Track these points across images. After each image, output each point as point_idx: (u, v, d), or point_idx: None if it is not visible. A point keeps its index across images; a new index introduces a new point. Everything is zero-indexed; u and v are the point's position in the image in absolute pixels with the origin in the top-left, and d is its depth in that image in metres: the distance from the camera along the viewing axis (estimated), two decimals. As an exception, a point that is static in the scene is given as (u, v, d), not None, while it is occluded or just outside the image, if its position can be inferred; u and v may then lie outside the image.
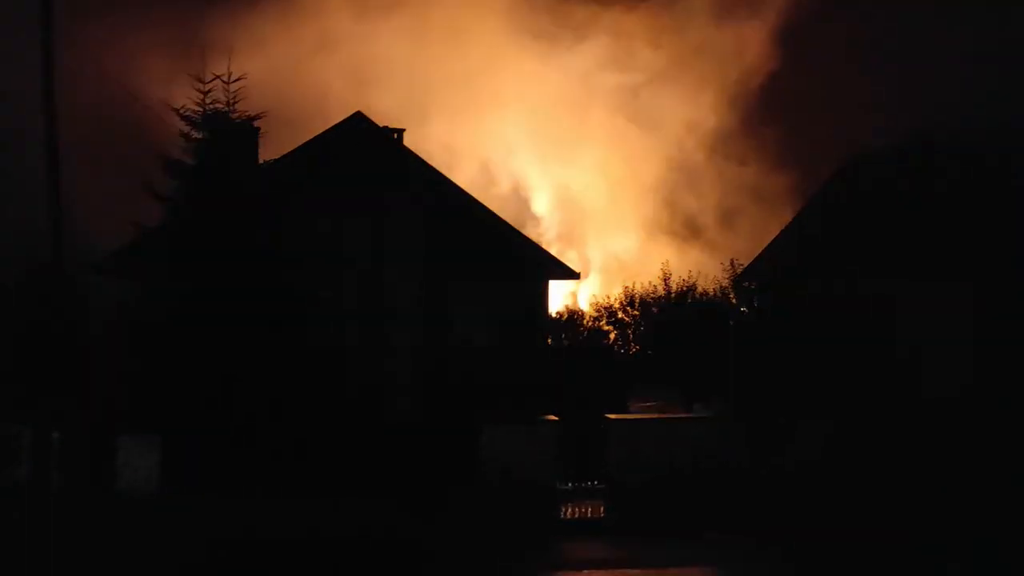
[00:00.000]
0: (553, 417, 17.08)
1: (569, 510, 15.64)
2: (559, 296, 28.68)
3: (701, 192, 39.72)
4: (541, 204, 39.14)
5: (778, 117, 40.14)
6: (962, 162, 24.45)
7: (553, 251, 37.34)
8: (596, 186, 38.86)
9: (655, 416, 21.06)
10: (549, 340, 22.55)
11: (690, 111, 39.34)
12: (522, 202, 38.82)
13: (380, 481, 15.67)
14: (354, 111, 20.04)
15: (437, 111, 36.38)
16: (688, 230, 38.98)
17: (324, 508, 14.64)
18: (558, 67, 38.71)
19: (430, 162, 20.94)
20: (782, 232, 29.76)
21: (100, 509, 14.89)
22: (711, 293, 23.82)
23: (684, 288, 23.59)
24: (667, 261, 24.23)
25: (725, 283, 24.08)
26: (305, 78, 34.42)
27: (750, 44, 39.68)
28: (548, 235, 38.70)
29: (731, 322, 24.16)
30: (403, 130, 21.35)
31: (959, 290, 20.86)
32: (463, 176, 33.96)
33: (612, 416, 17.56)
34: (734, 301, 24.11)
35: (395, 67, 37.26)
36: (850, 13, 41.29)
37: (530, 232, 37.90)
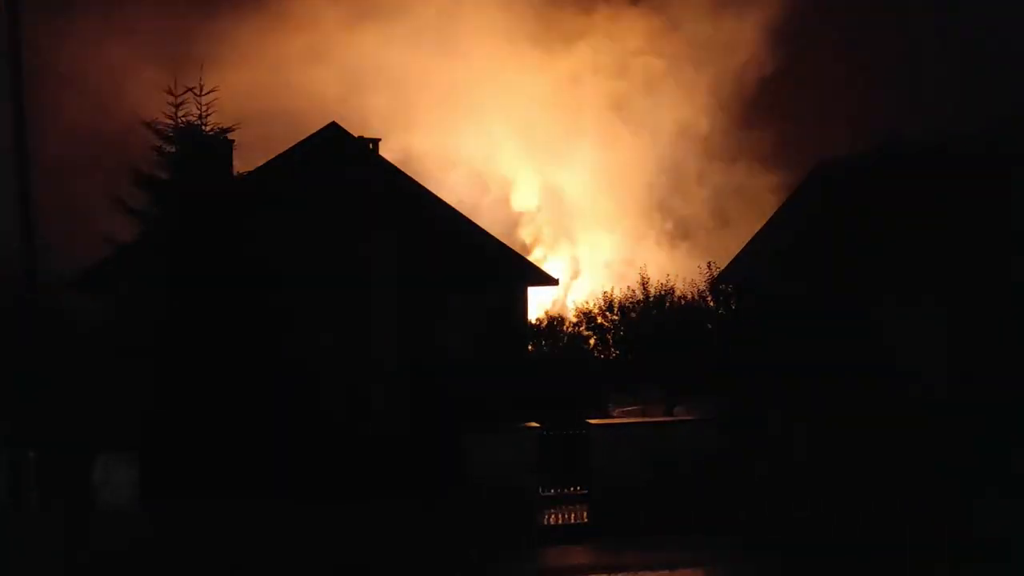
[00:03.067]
0: (534, 424, 17.11)
1: (552, 516, 15.64)
2: (546, 300, 28.82)
3: (692, 194, 39.97)
4: (532, 208, 39.34)
5: (769, 119, 40.54)
6: (935, 165, 24.77)
7: (545, 254, 37.86)
8: (588, 189, 39.03)
9: (636, 420, 21.11)
10: (531, 347, 22.56)
11: (682, 113, 39.61)
12: (514, 206, 39.05)
13: (361, 492, 15.63)
14: (346, 121, 20.11)
15: (429, 117, 36.49)
16: (679, 231, 39.22)
17: (305, 517, 14.60)
18: (550, 70, 38.87)
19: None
20: (756, 235, 30.04)
21: (78, 526, 14.72)
22: (689, 297, 23.94)
23: (662, 292, 23.68)
24: (644, 266, 24.32)
25: (703, 286, 24.21)
26: (297, 88, 34.43)
27: (742, 46, 40.03)
28: (539, 239, 38.94)
29: (709, 325, 24.30)
30: (379, 140, 21.32)
31: (931, 292, 21.08)
32: (454, 182, 34.28)
33: (593, 422, 17.60)
34: (711, 304, 24.25)
35: (386, 74, 37.37)
36: (842, 15, 41.81)
37: (522, 235, 38.26)
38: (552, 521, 15.37)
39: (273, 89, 33.44)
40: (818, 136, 37.31)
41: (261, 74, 34.17)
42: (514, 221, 38.84)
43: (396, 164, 21.02)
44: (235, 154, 17.40)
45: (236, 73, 31.32)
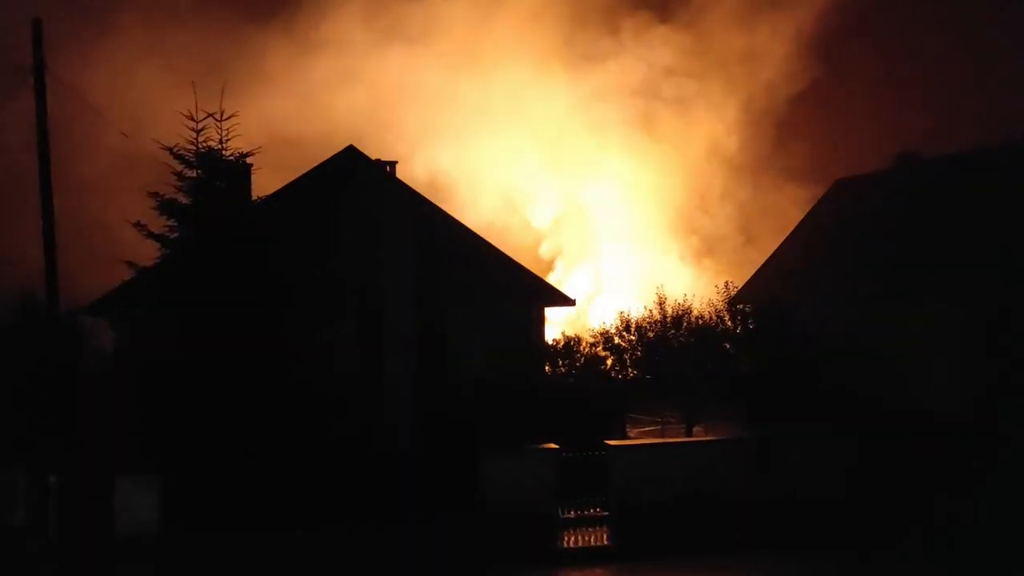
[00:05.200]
0: (553, 445, 17.03)
1: (572, 538, 15.52)
2: (569, 316, 28.76)
3: (718, 209, 39.82)
4: (557, 224, 39.47)
5: (798, 134, 40.47)
6: (950, 181, 24.68)
7: (568, 271, 37.96)
8: (613, 205, 38.98)
9: (655, 441, 21.01)
10: (548, 367, 22.50)
11: (709, 128, 39.57)
12: (538, 222, 39.27)
13: (380, 514, 15.57)
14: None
15: (457, 135, 36.77)
16: (705, 248, 39.05)
17: (323, 540, 14.56)
18: (578, 87, 38.97)
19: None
20: (773, 254, 30.00)
21: (98, 552, 14.72)
22: (707, 316, 23.79)
23: (679, 312, 23.54)
24: (662, 285, 24.16)
25: (720, 305, 24.09)
26: (327, 110, 34.90)
27: (771, 63, 40.01)
28: (563, 255, 39.11)
29: (727, 345, 24.17)
30: (395, 162, 21.50)
31: (946, 308, 20.94)
32: (480, 198, 34.53)
33: (612, 442, 17.51)
34: (729, 323, 24.12)
35: (415, 94, 37.78)
36: (871, 34, 41.83)
37: (546, 251, 38.38)
38: (572, 543, 15.24)
39: (305, 112, 34.04)
40: (847, 151, 37.24)
41: (293, 98, 34.91)
42: (538, 237, 39.05)
43: (424, 181, 21.30)
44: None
45: (269, 98, 31.99)
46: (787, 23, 40.08)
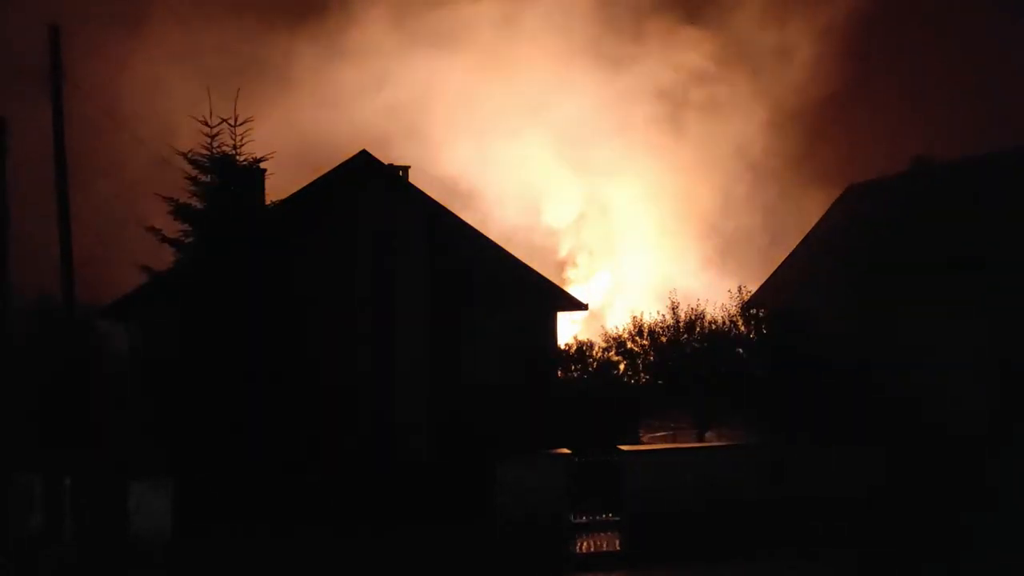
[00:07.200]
0: (565, 450, 17.01)
1: (585, 543, 15.52)
2: (586, 319, 28.71)
3: (744, 212, 39.58)
4: (577, 226, 39.40)
5: (825, 137, 40.21)
6: (964, 185, 24.55)
7: (588, 272, 37.93)
8: (635, 207, 38.87)
9: (668, 447, 20.94)
10: (560, 372, 22.49)
11: (736, 131, 39.36)
12: (558, 223, 39.21)
13: (392, 520, 15.59)
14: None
15: (479, 136, 36.78)
16: (729, 250, 38.79)
17: (335, 548, 14.59)
18: (605, 88, 38.85)
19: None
20: (787, 259, 29.84)
21: (113, 556, 14.80)
22: (720, 321, 23.76)
23: (692, 317, 23.52)
24: (674, 290, 24.17)
25: (733, 310, 24.04)
26: (351, 114, 35.05)
27: (798, 64, 39.81)
28: (582, 257, 39.04)
29: (739, 350, 24.11)
30: (408, 167, 21.52)
31: (959, 314, 20.80)
32: (502, 200, 34.41)
33: (625, 448, 17.47)
34: (742, 328, 24.06)
35: (439, 95, 37.87)
36: (899, 38, 41.61)
37: (565, 253, 38.38)
38: (584, 548, 15.25)
39: (332, 116, 34.24)
40: (869, 154, 36.93)
41: (319, 102, 35.13)
42: (561, 237, 39.02)
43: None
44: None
45: (296, 102, 32.19)
46: (814, 25, 39.91)
